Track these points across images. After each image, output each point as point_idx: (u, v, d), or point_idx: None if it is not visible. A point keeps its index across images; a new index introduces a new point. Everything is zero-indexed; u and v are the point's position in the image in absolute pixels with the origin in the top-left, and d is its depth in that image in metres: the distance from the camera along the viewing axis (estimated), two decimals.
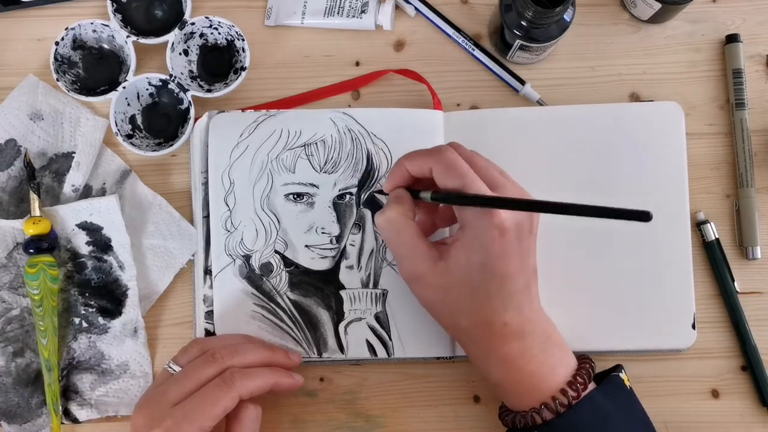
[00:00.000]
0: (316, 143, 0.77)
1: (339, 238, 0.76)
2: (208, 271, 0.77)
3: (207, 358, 0.69)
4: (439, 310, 0.69)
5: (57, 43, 0.78)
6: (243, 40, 0.79)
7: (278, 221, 0.77)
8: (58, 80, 0.78)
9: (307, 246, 0.77)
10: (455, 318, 0.67)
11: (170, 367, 0.70)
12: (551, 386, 0.65)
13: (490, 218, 0.63)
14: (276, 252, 0.77)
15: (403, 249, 0.68)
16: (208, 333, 0.76)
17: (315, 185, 0.77)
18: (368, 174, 0.77)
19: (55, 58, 0.78)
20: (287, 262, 0.77)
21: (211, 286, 0.77)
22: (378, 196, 0.77)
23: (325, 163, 0.77)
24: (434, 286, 0.67)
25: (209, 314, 0.76)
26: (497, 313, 0.65)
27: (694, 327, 0.75)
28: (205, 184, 0.78)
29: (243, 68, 0.78)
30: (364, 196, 0.77)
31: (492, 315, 0.65)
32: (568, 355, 0.68)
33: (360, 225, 0.77)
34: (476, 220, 0.64)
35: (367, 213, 0.77)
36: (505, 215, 0.63)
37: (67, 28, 0.78)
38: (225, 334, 0.75)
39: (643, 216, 0.53)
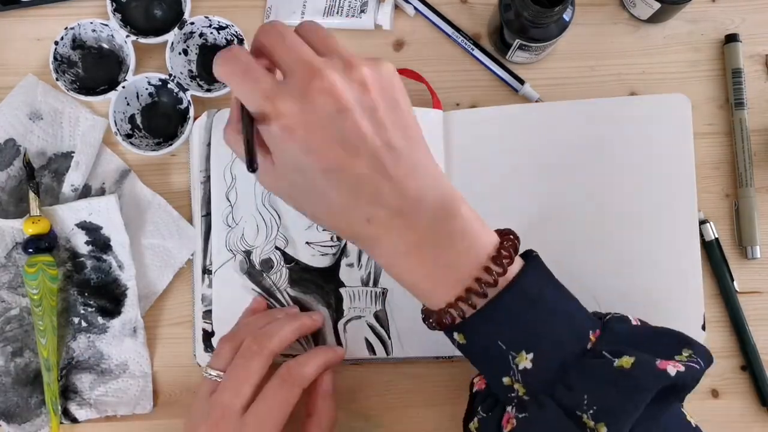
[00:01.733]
0: None
1: (339, 236, 0.76)
2: (206, 271, 0.77)
3: (244, 353, 0.67)
4: (309, 216, 0.62)
5: (56, 43, 0.78)
6: (243, 40, 0.79)
7: (279, 217, 0.77)
8: (57, 80, 0.78)
9: (307, 243, 0.77)
10: (325, 223, 0.62)
11: (210, 374, 0.68)
12: (464, 275, 0.58)
13: (266, 127, 0.57)
14: (277, 248, 0.77)
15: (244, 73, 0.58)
16: (206, 332, 0.76)
17: None
18: None
19: (55, 58, 0.78)
20: (288, 258, 0.77)
21: (209, 286, 0.77)
22: None
23: None
24: (275, 191, 0.62)
25: (207, 314, 0.76)
26: (350, 211, 0.58)
27: (704, 329, 0.75)
28: (205, 183, 0.78)
29: None
30: None
31: (345, 215, 0.59)
32: (482, 233, 0.59)
33: None
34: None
35: None
36: (276, 114, 0.56)
37: (66, 28, 0.78)
38: (248, 319, 0.74)
39: None
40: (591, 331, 0.60)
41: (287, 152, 0.57)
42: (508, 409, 0.60)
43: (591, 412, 0.55)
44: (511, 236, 0.60)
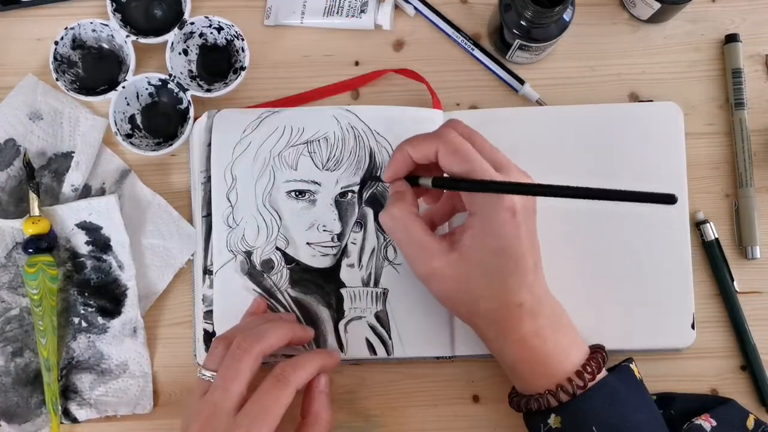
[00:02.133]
0: (318, 140, 0.77)
1: (340, 236, 0.76)
2: (207, 271, 0.77)
3: (233, 352, 0.67)
4: (456, 300, 0.69)
5: (56, 43, 0.78)
6: (242, 39, 0.79)
7: (280, 218, 0.77)
8: (57, 80, 0.78)
9: (308, 243, 0.77)
10: (473, 305, 0.67)
11: (204, 375, 0.68)
12: (566, 368, 0.66)
13: (500, 201, 0.64)
14: (277, 249, 0.77)
15: (413, 247, 0.68)
16: (207, 333, 0.76)
17: (317, 183, 0.77)
18: (371, 172, 0.77)
19: (55, 58, 0.78)
20: (288, 259, 0.76)
21: (210, 286, 0.77)
22: (380, 188, 0.77)
23: (328, 160, 0.77)
24: (450, 278, 0.67)
25: (208, 314, 0.76)
26: (512, 293, 0.65)
27: (693, 327, 0.75)
28: (205, 183, 0.78)
29: (242, 68, 0.78)
30: (366, 195, 0.77)
31: (507, 296, 0.65)
32: (579, 339, 0.69)
33: (362, 223, 0.77)
34: (486, 204, 0.65)
35: (369, 211, 0.77)
36: (514, 197, 0.64)
37: (66, 28, 0.78)
38: (244, 321, 0.74)
39: (668, 198, 0.53)
40: None
41: (502, 235, 0.65)
42: None
43: None
44: (601, 352, 0.69)
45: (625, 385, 0.67)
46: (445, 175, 0.68)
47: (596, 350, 0.69)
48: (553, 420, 0.66)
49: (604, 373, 0.67)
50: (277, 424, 0.64)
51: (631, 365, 0.69)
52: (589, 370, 0.66)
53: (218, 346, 0.69)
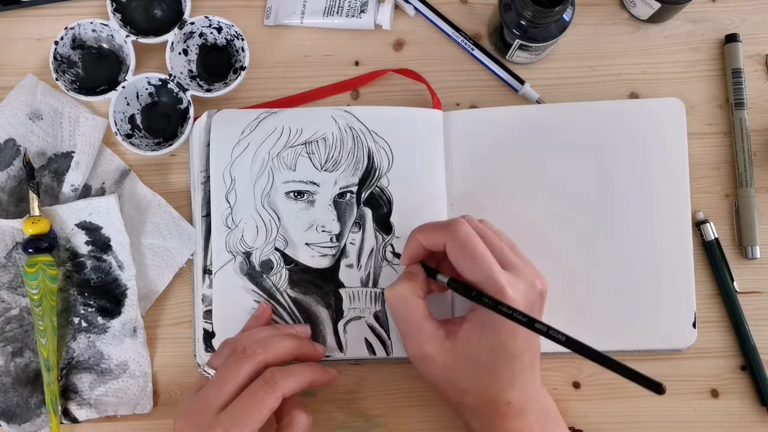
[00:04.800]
0: (317, 141, 0.77)
1: (339, 237, 0.76)
2: (207, 271, 0.77)
3: (238, 355, 0.67)
4: (443, 387, 0.69)
5: (56, 43, 0.78)
6: (242, 39, 0.79)
7: (279, 219, 0.77)
8: (57, 80, 0.78)
9: (307, 244, 0.77)
10: (460, 396, 0.68)
11: (205, 371, 0.69)
12: None
13: (502, 299, 0.64)
14: (276, 249, 0.77)
15: (410, 327, 0.69)
16: (207, 332, 0.76)
17: (316, 183, 0.77)
18: (369, 172, 0.77)
19: (55, 58, 0.78)
20: (287, 259, 0.77)
21: (210, 286, 0.77)
22: (378, 188, 0.77)
23: (326, 161, 0.77)
24: (440, 365, 0.67)
25: (208, 313, 0.76)
26: (502, 391, 0.66)
27: (694, 326, 0.75)
28: (205, 183, 0.78)
29: (242, 68, 0.79)
30: (364, 195, 0.77)
31: (497, 393, 0.66)
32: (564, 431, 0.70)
33: (360, 224, 0.77)
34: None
35: (368, 212, 0.77)
36: (517, 298, 0.64)
37: (66, 28, 0.78)
38: (255, 328, 0.74)
39: (657, 388, 0.56)
40: None
41: (499, 334, 0.65)
42: None
43: None
44: None
45: None
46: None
47: None
48: None
49: None
50: (259, 426, 0.64)
51: None
52: None
53: (225, 348, 0.70)
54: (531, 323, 0.62)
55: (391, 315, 0.73)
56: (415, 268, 0.71)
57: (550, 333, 0.61)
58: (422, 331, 0.68)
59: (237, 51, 0.80)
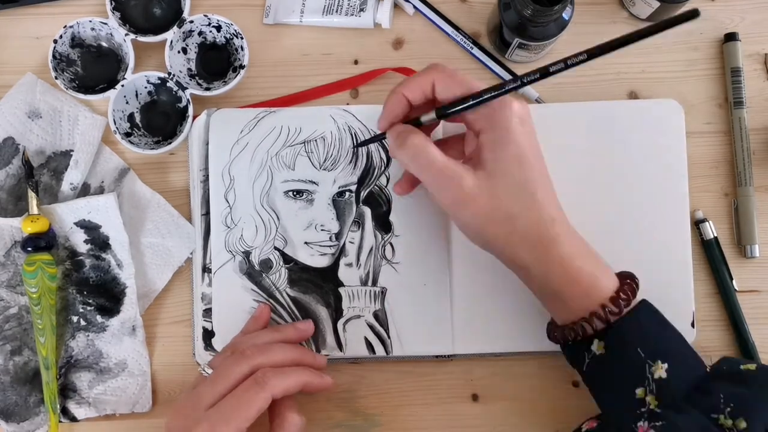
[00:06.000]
0: (315, 140, 0.77)
1: (338, 236, 0.77)
2: (206, 269, 0.77)
3: (237, 357, 0.68)
4: (491, 224, 0.66)
5: (55, 41, 0.78)
6: (242, 38, 0.79)
7: (278, 218, 0.77)
8: (56, 78, 0.78)
9: (306, 243, 0.77)
10: (510, 224, 0.65)
11: (204, 371, 0.69)
12: (608, 289, 0.65)
13: (508, 110, 0.64)
14: (275, 248, 0.77)
15: (438, 173, 0.65)
16: (207, 331, 0.76)
17: (314, 182, 0.77)
18: (368, 171, 0.77)
19: (54, 56, 0.78)
20: (287, 258, 0.77)
21: (209, 284, 0.77)
22: (377, 187, 0.77)
23: (325, 160, 0.77)
24: (482, 198, 0.64)
25: (207, 312, 0.77)
26: (544, 207, 0.65)
27: (693, 325, 0.75)
28: (204, 182, 0.78)
29: (242, 66, 0.78)
30: (363, 194, 0.77)
31: (540, 210, 0.65)
32: (605, 263, 0.68)
33: (359, 222, 0.77)
34: (494, 117, 0.64)
35: (367, 210, 0.77)
36: (517, 105, 0.65)
37: (65, 26, 0.78)
38: (257, 331, 0.74)
39: (691, 14, 0.54)
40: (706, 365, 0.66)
41: (519, 143, 0.64)
42: (640, 423, 0.62)
43: (728, 410, 0.61)
44: (630, 276, 0.68)
45: (658, 314, 0.67)
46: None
47: (625, 274, 0.68)
48: (596, 346, 0.65)
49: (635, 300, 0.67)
50: (247, 425, 0.64)
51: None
52: (628, 291, 0.65)
53: (227, 349, 0.71)
54: (548, 70, 0.63)
55: (417, 175, 0.68)
56: (401, 126, 0.67)
57: (569, 62, 0.62)
58: (452, 171, 0.65)
59: (236, 50, 0.80)
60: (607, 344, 0.65)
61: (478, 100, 0.64)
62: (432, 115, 0.67)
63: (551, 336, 0.70)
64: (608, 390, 0.67)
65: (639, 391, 0.64)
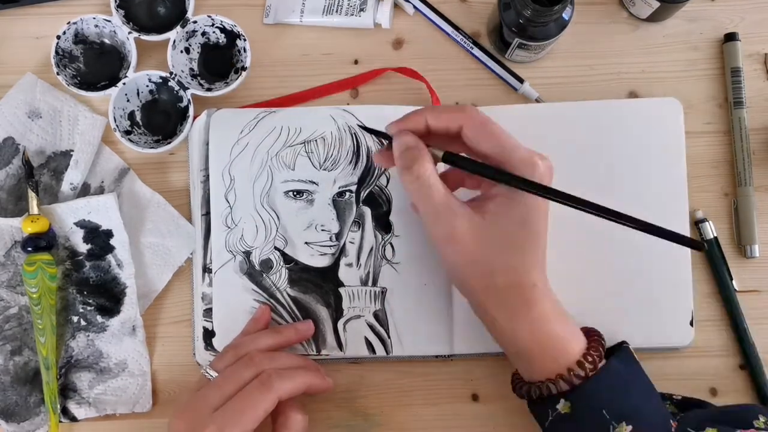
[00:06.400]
0: (316, 140, 0.77)
1: (338, 236, 0.76)
2: (207, 269, 0.77)
3: (245, 361, 0.68)
4: (470, 271, 0.66)
5: (59, 37, 0.78)
6: (244, 39, 0.79)
7: (278, 218, 0.77)
8: (58, 74, 0.78)
9: (306, 243, 0.77)
10: (489, 278, 0.65)
11: (207, 373, 0.69)
12: (574, 352, 0.65)
13: (532, 173, 0.63)
14: (276, 249, 0.77)
15: (436, 207, 0.65)
16: (207, 331, 0.76)
17: (315, 182, 0.77)
18: (368, 171, 0.77)
19: (57, 52, 0.78)
20: (287, 258, 0.77)
21: (210, 284, 0.77)
22: (377, 187, 0.77)
23: (325, 160, 0.77)
24: (471, 243, 0.64)
25: (208, 312, 0.77)
26: (528, 272, 0.64)
27: (692, 324, 0.75)
28: (204, 182, 0.78)
29: (243, 68, 0.78)
30: (363, 194, 0.77)
31: (524, 274, 0.64)
32: (575, 325, 0.68)
33: (359, 222, 0.77)
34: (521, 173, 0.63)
35: (367, 210, 0.77)
36: (543, 167, 0.63)
37: (69, 23, 0.78)
38: (258, 333, 0.74)
39: (698, 245, 0.57)
40: (672, 419, 0.65)
41: (529, 206, 0.64)
42: None
43: None
44: (597, 336, 0.69)
45: (629, 368, 0.67)
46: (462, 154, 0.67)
47: (592, 333, 0.69)
48: (562, 406, 0.65)
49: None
50: (254, 426, 0.64)
51: (629, 347, 0.69)
52: (594, 353, 0.65)
53: (229, 352, 0.71)
54: (562, 197, 0.62)
55: (414, 201, 0.67)
56: (413, 140, 0.65)
57: (581, 207, 0.62)
58: (450, 207, 0.64)
59: (239, 51, 0.80)
60: (573, 404, 0.65)
61: (495, 177, 0.64)
62: (439, 154, 0.66)
63: (516, 389, 0.70)
64: None
65: None
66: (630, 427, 0.62)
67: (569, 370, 0.64)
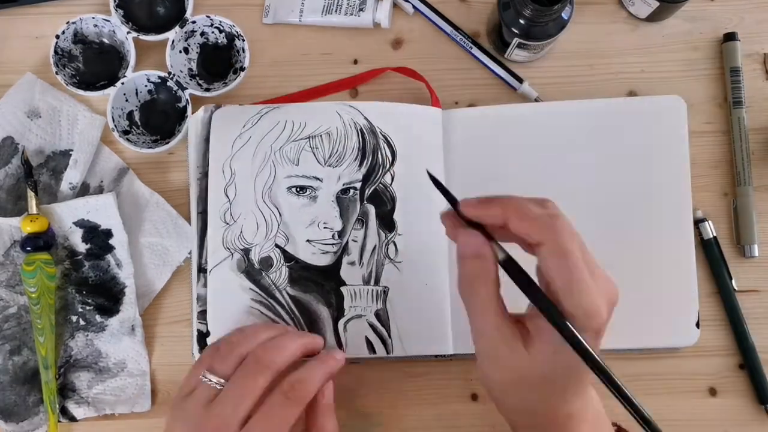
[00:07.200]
0: (321, 136, 0.77)
1: (341, 234, 0.76)
2: (201, 269, 0.76)
3: (252, 366, 0.65)
4: (504, 395, 0.61)
5: (57, 37, 0.78)
6: (243, 40, 0.79)
7: (280, 214, 0.76)
8: (57, 74, 0.78)
9: (308, 241, 0.76)
10: (522, 408, 0.61)
11: (208, 379, 0.65)
12: None
13: (592, 323, 0.55)
14: (276, 246, 0.76)
15: (484, 327, 0.58)
16: (201, 333, 0.75)
17: (318, 178, 0.76)
18: (373, 169, 0.77)
19: (56, 52, 0.78)
20: (288, 256, 0.76)
21: (204, 285, 0.76)
22: (381, 185, 0.77)
23: (330, 156, 0.76)
24: (510, 371, 0.58)
25: (202, 314, 0.75)
26: (566, 405, 0.59)
27: (698, 325, 0.75)
28: (201, 179, 0.77)
29: (242, 68, 0.78)
30: (368, 191, 0.76)
31: (559, 408, 0.59)
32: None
33: (363, 221, 0.76)
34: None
35: (371, 208, 0.76)
36: (604, 320, 0.56)
37: (68, 22, 0.78)
38: (253, 327, 0.72)
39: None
40: None
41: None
42: None
43: None
44: None
45: None
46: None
47: None
48: None
49: None
50: None
51: None
52: None
53: (227, 352, 0.67)
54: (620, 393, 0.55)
55: (465, 304, 0.59)
56: (483, 247, 0.57)
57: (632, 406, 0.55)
58: (497, 331, 0.57)
59: (237, 51, 0.80)
60: None
61: (549, 320, 0.55)
62: (502, 255, 0.57)
63: None
64: None
65: None
66: None
67: None
